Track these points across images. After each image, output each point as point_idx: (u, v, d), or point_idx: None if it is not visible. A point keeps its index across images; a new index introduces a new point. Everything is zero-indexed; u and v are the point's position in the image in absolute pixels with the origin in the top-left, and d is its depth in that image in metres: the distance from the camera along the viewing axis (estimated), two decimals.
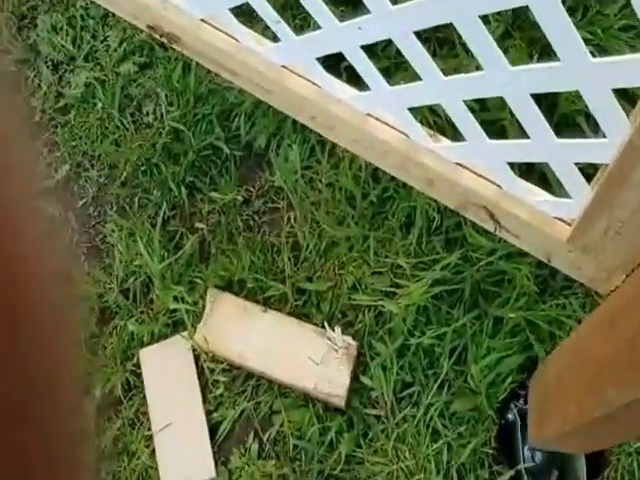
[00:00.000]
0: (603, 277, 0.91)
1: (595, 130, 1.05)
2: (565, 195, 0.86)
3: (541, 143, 0.80)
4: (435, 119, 1.06)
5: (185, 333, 1.20)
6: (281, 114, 1.16)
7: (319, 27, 0.91)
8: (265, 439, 1.15)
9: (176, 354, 1.21)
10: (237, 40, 1.04)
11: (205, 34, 1.06)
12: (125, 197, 1.31)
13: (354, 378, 1.14)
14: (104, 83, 1.36)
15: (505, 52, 0.99)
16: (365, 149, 1.02)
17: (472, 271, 1.10)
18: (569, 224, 0.89)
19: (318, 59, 0.95)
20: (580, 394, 0.79)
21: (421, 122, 0.99)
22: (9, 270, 0.18)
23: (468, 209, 0.97)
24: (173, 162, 1.29)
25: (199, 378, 1.18)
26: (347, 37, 0.88)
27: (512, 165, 0.89)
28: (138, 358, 1.21)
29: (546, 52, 1.11)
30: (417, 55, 0.82)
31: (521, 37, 1.13)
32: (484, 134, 0.87)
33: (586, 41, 1.07)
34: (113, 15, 1.30)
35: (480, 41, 0.74)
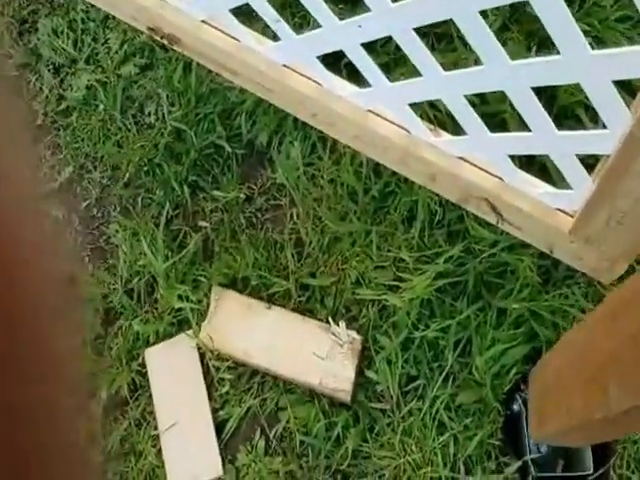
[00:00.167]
0: (605, 267, 0.91)
1: (594, 121, 1.05)
2: (566, 186, 0.86)
3: (542, 136, 0.80)
4: (435, 113, 1.06)
5: (190, 332, 1.20)
6: (282, 112, 1.16)
7: (319, 25, 0.91)
8: (272, 436, 1.14)
9: (181, 353, 1.20)
10: (238, 40, 1.04)
11: (205, 35, 1.06)
12: (128, 197, 1.31)
13: (359, 372, 1.13)
14: (105, 85, 1.36)
15: (503, 45, 0.99)
16: (366, 145, 1.01)
17: (475, 263, 1.10)
18: (571, 215, 0.89)
19: (318, 57, 0.95)
20: (581, 391, 0.79)
21: (421, 117, 0.99)
22: (7, 274, 0.18)
23: (470, 202, 0.97)
24: (175, 162, 1.29)
25: (204, 376, 1.18)
26: (347, 35, 0.87)
27: (512, 157, 0.89)
28: (143, 358, 1.21)
29: (544, 44, 1.12)
30: (417, 51, 0.82)
31: (519, 30, 1.13)
32: (485, 128, 0.86)
33: (583, 33, 1.07)
34: (113, 18, 1.30)
35: (480, 36, 0.74)
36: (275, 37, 1.00)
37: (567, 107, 1.08)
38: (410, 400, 1.12)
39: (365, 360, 1.15)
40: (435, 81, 0.84)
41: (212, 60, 1.10)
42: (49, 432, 0.20)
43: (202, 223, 1.26)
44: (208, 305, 1.20)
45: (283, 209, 1.23)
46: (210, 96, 1.26)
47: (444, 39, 1.15)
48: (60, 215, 1.31)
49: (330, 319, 1.16)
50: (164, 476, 1.15)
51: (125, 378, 1.19)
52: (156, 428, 1.17)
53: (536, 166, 0.94)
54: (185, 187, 1.27)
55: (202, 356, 1.19)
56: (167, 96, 1.31)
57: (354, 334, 1.15)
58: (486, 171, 0.92)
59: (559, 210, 0.89)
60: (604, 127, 0.75)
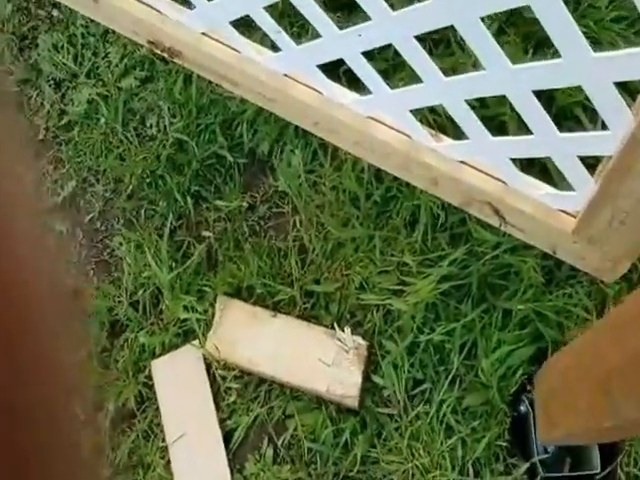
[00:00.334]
0: (608, 266, 0.91)
1: (593, 121, 1.04)
2: (568, 187, 0.85)
3: (544, 138, 0.80)
4: (435, 117, 1.06)
5: (196, 342, 1.19)
6: (283, 120, 1.15)
7: (318, 35, 0.91)
8: (279, 444, 1.13)
9: (187, 363, 1.19)
10: (238, 51, 1.04)
11: (206, 47, 1.06)
12: (131, 210, 1.30)
13: (366, 378, 1.13)
14: (107, 99, 1.36)
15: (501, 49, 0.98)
16: (368, 151, 1.01)
17: (478, 265, 1.09)
18: (573, 216, 0.89)
19: (318, 66, 0.95)
20: (588, 396, 0.78)
21: (421, 121, 0.98)
22: (9, 290, 0.18)
23: (473, 206, 0.97)
24: (178, 173, 1.29)
25: (211, 386, 1.17)
26: (347, 44, 0.87)
27: (513, 159, 0.88)
28: (150, 370, 1.20)
29: (541, 46, 1.12)
30: (418, 58, 0.82)
31: (515, 33, 1.13)
32: (486, 132, 0.86)
33: None
34: (113, 32, 1.30)
35: (482, 42, 0.73)
36: (274, 46, 1.00)
37: (566, 108, 1.08)
38: (417, 404, 1.12)
39: (371, 365, 1.14)
40: (436, 87, 0.84)
41: (213, 72, 1.09)
42: (50, 434, 0.19)
43: (205, 233, 1.25)
44: (213, 315, 1.19)
45: (286, 217, 1.23)
46: (211, 106, 1.26)
47: (441, 44, 1.15)
48: (64, 229, 1.30)
49: (335, 325, 1.15)
50: None
51: (132, 390, 1.18)
52: (164, 440, 1.16)
53: (536, 167, 0.94)
54: (188, 198, 1.26)
55: (208, 366, 1.18)
56: (168, 108, 1.30)
57: (359, 339, 1.14)
58: (488, 174, 0.92)
59: (561, 211, 0.89)
60: (603, 127, 0.74)
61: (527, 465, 1.08)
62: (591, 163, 0.81)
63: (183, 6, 1.07)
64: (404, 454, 1.10)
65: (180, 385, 1.18)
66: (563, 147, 0.79)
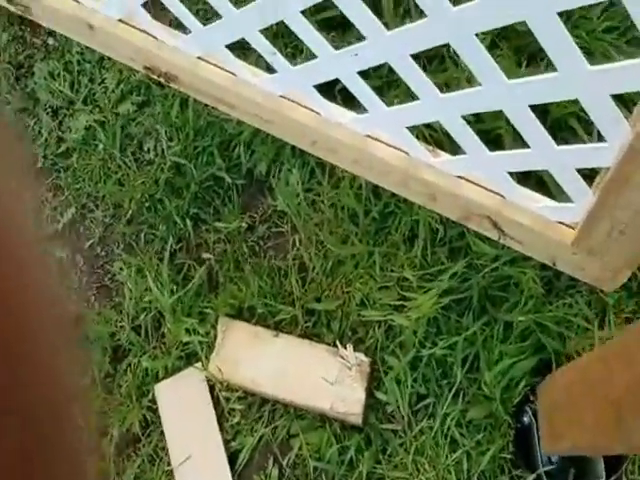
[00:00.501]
0: (609, 276, 0.90)
1: (589, 132, 1.04)
2: (566, 199, 0.84)
3: (541, 151, 0.79)
4: (431, 133, 1.05)
5: (198, 364, 1.17)
6: (280, 140, 1.14)
7: (313, 55, 0.90)
8: (285, 464, 1.11)
9: (191, 386, 1.17)
10: (234, 74, 1.03)
11: (202, 71, 1.05)
12: (131, 234, 1.28)
13: (369, 394, 1.11)
14: (104, 124, 1.34)
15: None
16: (366, 169, 1.00)
17: (478, 278, 1.08)
18: (572, 227, 0.87)
19: (315, 86, 0.94)
20: (595, 415, 0.76)
21: (417, 137, 0.97)
22: (11, 318, 0.18)
23: (471, 220, 0.95)
24: (176, 196, 1.27)
25: (215, 408, 1.15)
26: (343, 64, 0.86)
27: (511, 172, 0.87)
28: (153, 394, 1.17)
29: (534, 58, 1.11)
30: (414, 76, 0.81)
31: (508, 46, 1.12)
32: (484, 146, 0.85)
33: None
34: (109, 58, 1.28)
35: (477, 58, 0.73)
36: (270, 68, 0.99)
37: (560, 119, 1.07)
38: (421, 419, 1.09)
39: (374, 381, 1.12)
40: (432, 103, 0.83)
41: (209, 95, 1.08)
42: (53, 436, 0.19)
43: (205, 255, 1.23)
44: (215, 336, 1.17)
45: (285, 236, 1.21)
46: (208, 129, 1.25)
47: (435, 59, 1.14)
48: (64, 256, 1.28)
49: (337, 343, 1.13)
50: None
51: (136, 415, 1.15)
52: (169, 464, 1.13)
53: (533, 179, 0.93)
54: (187, 220, 1.25)
55: (212, 388, 1.16)
56: (165, 131, 1.29)
57: (362, 356, 1.13)
58: (486, 188, 0.91)
59: (560, 223, 0.87)
60: (599, 138, 0.73)
61: (533, 477, 1.05)
62: (588, 174, 0.80)
63: (179, 31, 1.06)
64: (409, 470, 1.07)
65: (184, 408, 1.16)
66: (560, 160, 0.78)
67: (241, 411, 1.14)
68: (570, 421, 0.88)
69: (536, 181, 0.92)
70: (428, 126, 1.04)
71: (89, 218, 1.32)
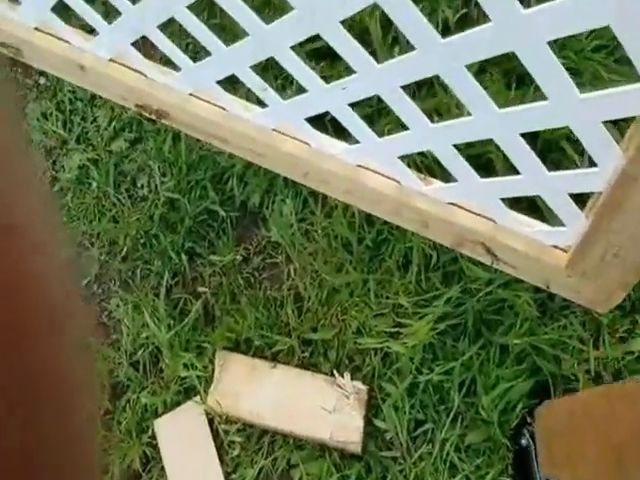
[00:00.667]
0: (603, 298, 0.88)
1: (579, 152, 1.03)
2: (559, 222, 0.83)
3: (533, 178, 0.78)
4: (422, 159, 1.04)
5: (197, 398, 1.13)
6: (272, 172, 1.12)
7: (304, 87, 0.88)
8: None
9: (190, 420, 1.13)
10: (225, 109, 1.01)
11: (193, 107, 1.03)
12: (127, 271, 1.25)
13: (367, 422, 1.09)
14: (97, 163, 1.32)
15: (484, 88, 0.96)
16: (359, 199, 0.98)
17: (473, 302, 1.06)
18: (565, 250, 0.86)
19: (306, 118, 0.92)
20: (598, 451, 0.74)
21: (409, 164, 0.96)
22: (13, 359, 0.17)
23: (465, 246, 0.94)
24: (171, 231, 1.24)
25: (215, 441, 1.12)
26: (333, 97, 0.85)
27: (503, 197, 0.86)
28: (153, 429, 1.13)
29: (523, 81, 1.10)
30: (404, 107, 0.80)
31: (496, 70, 1.11)
32: (475, 173, 0.84)
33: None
34: (101, 96, 1.26)
35: (467, 88, 0.72)
36: (261, 101, 0.97)
37: (551, 140, 1.07)
38: (420, 445, 1.07)
39: (372, 409, 1.10)
40: (423, 133, 0.82)
41: (201, 131, 1.07)
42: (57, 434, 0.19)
43: (201, 289, 1.21)
44: (213, 370, 1.14)
45: (280, 266, 1.19)
46: (200, 163, 1.23)
47: (424, 86, 1.13)
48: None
49: (335, 372, 1.11)
50: None
51: (136, 451, 1.11)
52: None
53: (525, 202, 0.91)
54: (182, 255, 1.22)
55: (211, 421, 1.13)
56: (158, 167, 1.27)
57: (359, 384, 1.11)
58: (478, 214, 0.89)
59: (553, 246, 0.86)
60: (590, 159, 0.72)
61: None
62: (580, 196, 0.79)
63: (169, 67, 1.05)
64: None
65: (184, 442, 1.13)
66: (552, 186, 0.77)
67: (241, 443, 1.11)
68: (570, 451, 0.85)
69: (529, 204, 0.90)
70: (420, 153, 1.03)
71: (85, 256, 1.29)
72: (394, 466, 1.06)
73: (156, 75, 1.05)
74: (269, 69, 1.16)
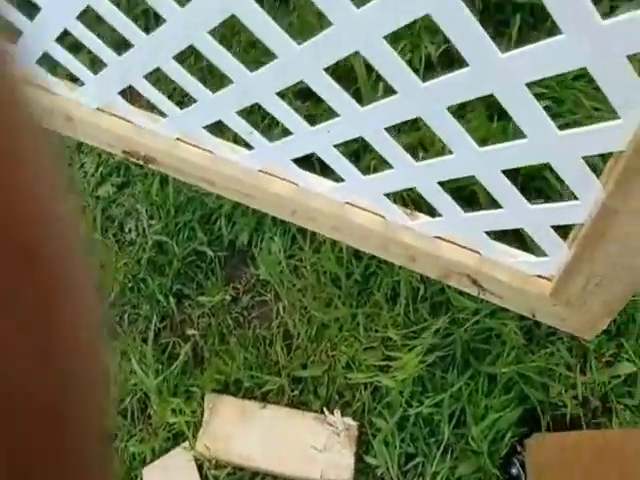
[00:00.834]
0: (588, 326, 0.89)
1: (561, 181, 1.03)
2: (542, 253, 0.84)
3: (515, 211, 0.79)
4: (409, 193, 1.05)
5: (186, 444, 1.08)
6: (260, 210, 1.11)
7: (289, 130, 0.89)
8: None
9: (179, 467, 1.09)
10: (212, 152, 1.01)
11: (181, 152, 1.03)
12: (115, 316, 1.22)
13: (358, 459, 1.07)
14: (84, 209, 1.29)
15: (466, 122, 0.97)
16: (346, 235, 0.98)
17: (460, 333, 1.06)
18: (550, 280, 0.87)
19: (292, 159, 0.93)
20: None
21: (394, 198, 0.96)
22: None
23: (451, 278, 0.94)
24: (159, 274, 1.22)
25: None
26: (318, 139, 0.86)
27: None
28: (142, 478, 1.07)
29: (505, 113, 1.12)
30: (388, 147, 0.81)
31: (478, 103, 1.13)
32: (459, 208, 0.85)
33: (542, 95, 1.07)
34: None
35: (448, 129, 0.73)
36: (247, 143, 0.97)
37: (533, 170, 1.08)
38: (411, 479, 1.03)
39: (363, 445, 1.07)
40: (407, 171, 0.83)
41: (189, 175, 1.06)
42: None
43: (190, 331, 1.17)
44: (202, 413, 1.09)
45: (269, 304, 1.17)
46: (188, 204, 1.22)
47: (408, 120, 1.14)
48: None
49: (325, 410, 1.09)
50: None
51: None
52: None
53: (510, 232, 0.92)
54: (170, 298, 1.19)
55: (200, 466, 1.08)
56: (146, 210, 1.25)
57: (350, 421, 1.09)
58: (464, 247, 0.90)
59: (538, 276, 0.87)
60: (573, 193, 0.74)
61: None
62: (563, 225, 0.79)
63: (156, 112, 1.04)
64: None
65: None
66: (534, 218, 0.78)
67: None
68: None
69: (514, 233, 0.91)
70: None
71: None
72: None
73: (143, 122, 1.05)
74: (255, 111, 1.17)
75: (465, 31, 0.61)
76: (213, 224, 1.22)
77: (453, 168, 0.79)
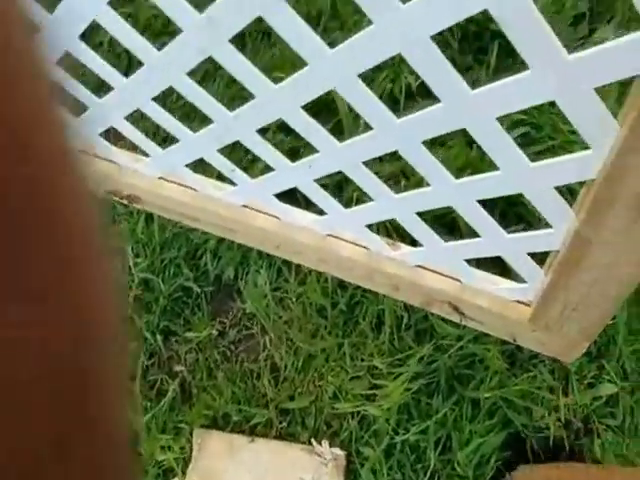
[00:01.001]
0: (567, 350, 0.88)
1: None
2: (521, 279, 0.82)
3: (492, 240, 0.78)
4: (391, 222, 1.03)
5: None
6: (246, 245, 1.09)
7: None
8: None
9: None
10: (195, 190, 0.98)
11: (164, 190, 1.01)
12: None
13: None
14: None
15: (446, 150, 0.96)
16: (331, 267, 0.96)
17: (445, 359, 1.04)
18: (529, 305, 0.85)
19: (275, 194, 0.91)
20: None
21: (378, 227, 0.94)
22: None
23: (433, 305, 0.92)
24: (146, 311, 1.18)
25: None
26: (300, 174, 0.84)
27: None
28: None
29: None
30: (367, 180, 0.80)
31: (457, 131, 1.12)
32: (438, 238, 0.83)
33: (521, 121, 1.06)
34: None
35: (425, 163, 0.72)
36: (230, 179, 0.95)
37: (513, 196, 1.06)
38: None
39: (351, 474, 1.05)
40: (387, 203, 0.82)
41: (173, 212, 1.04)
42: None
43: (178, 367, 1.13)
44: (191, 449, 1.04)
45: (256, 337, 1.14)
46: (174, 241, 1.19)
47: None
48: None
49: (313, 440, 1.05)
50: None
51: None
52: None
53: (491, 258, 0.90)
54: (157, 335, 1.15)
55: None
56: (132, 248, 1.21)
57: (337, 451, 1.06)
58: (445, 275, 0.89)
59: (517, 302, 0.85)
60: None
61: None
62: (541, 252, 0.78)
63: (138, 152, 1.02)
64: None
65: None
66: (511, 246, 0.77)
67: None
68: None
69: (495, 258, 0.89)
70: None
71: None
72: None
73: (126, 162, 1.02)
74: (237, 147, 1.15)
75: (436, 70, 0.61)
76: (199, 259, 1.19)
77: (430, 199, 0.78)
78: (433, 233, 0.83)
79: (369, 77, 1.17)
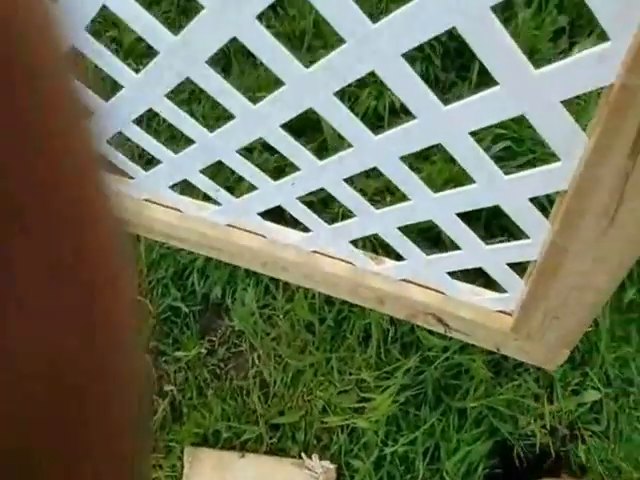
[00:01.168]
0: (550, 358, 0.86)
1: None
2: (502, 289, 0.81)
3: (472, 252, 0.77)
4: (376, 237, 1.01)
5: None
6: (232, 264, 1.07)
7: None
8: None
9: None
10: (180, 211, 0.97)
11: (150, 212, 0.99)
12: None
13: None
14: None
15: (431, 163, 0.95)
16: (317, 283, 0.95)
17: (431, 370, 1.02)
18: (511, 315, 0.84)
19: (259, 213, 0.89)
20: None
21: (364, 244, 0.93)
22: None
23: (418, 317, 0.91)
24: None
25: None
26: (283, 193, 0.83)
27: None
28: None
29: None
30: (349, 197, 0.79)
31: (440, 146, 1.11)
32: (419, 251, 0.82)
33: (501, 136, 1.06)
34: None
35: (404, 178, 0.71)
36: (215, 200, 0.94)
37: (496, 207, 1.04)
38: None
39: None
40: (369, 219, 0.81)
41: (158, 233, 1.02)
42: None
43: (168, 387, 1.11)
44: (182, 467, 1.01)
45: (244, 355, 1.11)
46: (161, 261, 1.17)
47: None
48: None
49: (303, 455, 1.03)
50: None
51: None
52: None
53: (475, 270, 0.88)
54: (146, 355, 1.11)
55: None
56: None
57: (327, 464, 1.04)
58: (428, 288, 0.87)
59: (500, 312, 0.84)
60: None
61: None
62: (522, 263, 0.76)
63: (122, 175, 1.00)
64: None
65: None
66: (491, 257, 0.77)
67: None
68: None
69: (478, 271, 0.87)
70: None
71: None
72: None
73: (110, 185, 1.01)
74: (224, 167, 1.14)
75: (408, 87, 0.60)
76: (186, 279, 1.17)
77: (411, 213, 0.77)
78: (415, 247, 0.81)
79: (353, 94, 1.17)
